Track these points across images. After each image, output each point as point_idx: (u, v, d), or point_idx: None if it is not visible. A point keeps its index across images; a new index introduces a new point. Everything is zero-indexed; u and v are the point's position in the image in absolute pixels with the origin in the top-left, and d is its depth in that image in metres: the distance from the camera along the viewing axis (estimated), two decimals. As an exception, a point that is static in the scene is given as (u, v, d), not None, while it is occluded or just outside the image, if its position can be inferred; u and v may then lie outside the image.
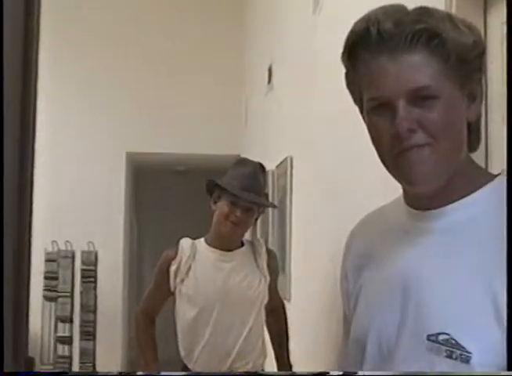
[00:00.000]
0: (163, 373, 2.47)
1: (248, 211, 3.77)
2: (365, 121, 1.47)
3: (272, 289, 3.93)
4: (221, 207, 3.76)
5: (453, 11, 2.29)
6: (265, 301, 3.85)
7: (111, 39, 8.76)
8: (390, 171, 1.44)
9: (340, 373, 1.47)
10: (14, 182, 1.47)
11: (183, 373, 3.39)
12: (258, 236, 6.76)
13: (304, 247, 4.90)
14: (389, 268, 1.50)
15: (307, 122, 4.85)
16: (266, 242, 6.18)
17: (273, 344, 4.08)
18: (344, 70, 1.51)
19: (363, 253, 1.61)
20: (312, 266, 4.55)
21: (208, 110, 8.79)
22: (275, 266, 4.03)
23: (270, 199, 6.11)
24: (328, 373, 1.45)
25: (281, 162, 5.76)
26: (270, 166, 6.32)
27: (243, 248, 3.89)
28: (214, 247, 3.84)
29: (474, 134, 1.48)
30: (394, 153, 1.39)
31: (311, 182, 4.71)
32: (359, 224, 1.73)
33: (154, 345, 3.94)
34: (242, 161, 4.03)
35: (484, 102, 2.26)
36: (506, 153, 1.04)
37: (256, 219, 3.98)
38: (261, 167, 3.95)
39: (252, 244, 3.96)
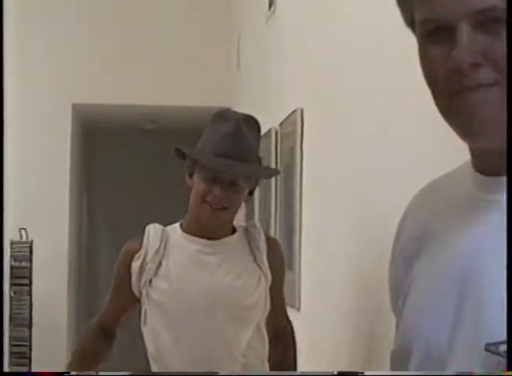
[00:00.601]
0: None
1: (232, 185, 3.64)
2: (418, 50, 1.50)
3: (275, 296, 3.82)
4: (197, 184, 3.65)
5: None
6: (267, 310, 3.77)
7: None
8: (446, 119, 1.45)
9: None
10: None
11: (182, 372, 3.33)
12: (256, 216, 6.78)
13: (319, 236, 4.91)
14: (446, 255, 1.53)
15: (322, 61, 4.86)
16: (268, 224, 6.20)
17: None
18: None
19: (419, 236, 1.64)
20: (330, 262, 4.56)
21: (187, 48, 8.83)
22: (280, 261, 3.92)
23: (273, 164, 6.13)
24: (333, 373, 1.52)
25: (287, 117, 5.77)
26: (272, 123, 6.35)
27: (234, 236, 3.78)
28: (194, 234, 3.73)
29: None
30: (452, 94, 1.42)
31: (329, 143, 4.72)
32: (416, 197, 1.77)
33: (98, 362, 3.92)
34: (220, 115, 3.82)
35: None
36: (507, 153, 1.04)
37: (250, 194, 3.87)
38: (249, 120, 3.79)
39: (246, 230, 3.83)
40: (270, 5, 6.74)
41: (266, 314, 3.75)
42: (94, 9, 8.84)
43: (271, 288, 3.76)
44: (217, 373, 1.34)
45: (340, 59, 4.42)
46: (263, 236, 3.84)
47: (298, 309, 4.99)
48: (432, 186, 1.73)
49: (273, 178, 6.02)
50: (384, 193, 3.32)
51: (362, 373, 1.51)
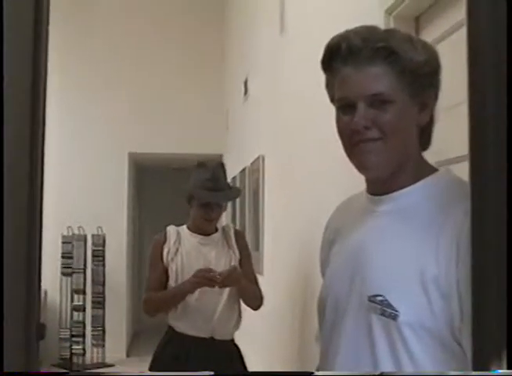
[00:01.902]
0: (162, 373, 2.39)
1: (219, 207, 3.76)
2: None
3: (246, 267, 3.77)
4: (196, 208, 3.72)
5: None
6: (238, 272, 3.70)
7: (116, 59, 8.75)
8: (350, 159, 1.47)
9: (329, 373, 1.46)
10: (25, 183, 1.44)
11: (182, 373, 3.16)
12: (238, 221, 6.78)
13: (275, 230, 4.90)
14: (347, 243, 1.54)
15: (277, 126, 4.86)
16: (244, 227, 6.20)
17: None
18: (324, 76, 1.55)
19: (335, 231, 1.65)
20: (282, 246, 4.56)
21: (197, 118, 8.83)
22: (245, 245, 3.89)
23: (246, 191, 6.12)
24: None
25: (255, 160, 5.75)
26: (245, 163, 6.33)
27: (217, 233, 3.80)
28: (195, 232, 3.77)
29: (425, 136, 1.51)
30: (352, 144, 1.43)
31: (280, 176, 4.72)
32: (337, 208, 1.76)
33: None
34: (200, 164, 3.83)
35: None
36: (506, 153, 1.03)
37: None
38: (219, 165, 3.86)
39: (223, 228, 3.86)
40: (245, 92, 6.74)
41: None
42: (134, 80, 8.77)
43: (241, 262, 3.74)
44: (312, 372, 1.30)
45: (289, 127, 4.43)
46: (232, 231, 3.86)
47: (262, 274, 4.97)
48: (343, 204, 1.73)
49: (247, 199, 6.07)
50: (319, 206, 3.30)
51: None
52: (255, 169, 5.69)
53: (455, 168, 2.01)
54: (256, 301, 3.77)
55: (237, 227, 5.84)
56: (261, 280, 4.02)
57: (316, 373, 1.44)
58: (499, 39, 1.09)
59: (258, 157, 5.52)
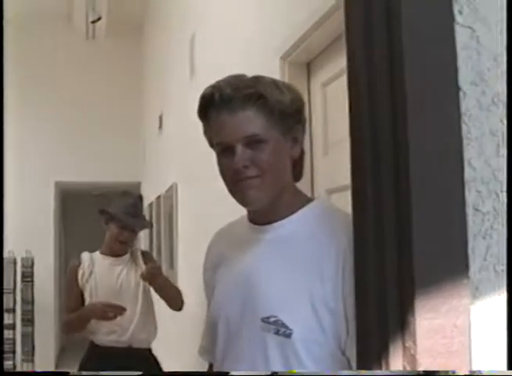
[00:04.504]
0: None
1: (133, 232, 3.71)
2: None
3: (160, 282, 3.63)
4: (111, 229, 3.66)
5: (286, 76, 2.33)
6: (147, 287, 3.67)
7: (45, 93, 8.55)
8: (232, 195, 1.44)
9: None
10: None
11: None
12: (154, 245, 6.71)
13: (188, 249, 4.88)
14: (235, 267, 1.50)
15: (188, 157, 4.85)
16: (159, 248, 6.15)
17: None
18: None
19: (218, 255, 1.60)
20: (195, 263, 4.52)
21: (116, 148, 8.68)
22: (152, 261, 3.88)
23: (162, 216, 6.08)
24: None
25: (169, 187, 5.71)
26: (161, 190, 6.29)
27: (126, 255, 3.74)
28: (107, 254, 3.71)
29: (297, 168, 1.49)
30: (234, 182, 1.41)
31: (191, 202, 4.71)
32: (217, 233, 1.72)
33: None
34: (125, 193, 3.86)
35: (310, 142, 2.30)
36: (506, 156, 1.03)
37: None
38: (140, 197, 3.90)
39: (132, 251, 3.79)
40: (160, 126, 6.72)
41: (147, 288, 3.68)
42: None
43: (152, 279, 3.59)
44: (228, 372, 1.26)
45: (199, 158, 4.43)
46: (139, 252, 3.83)
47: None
48: (224, 230, 1.70)
49: (162, 223, 6.03)
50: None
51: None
52: (169, 195, 5.66)
53: (342, 195, 2.04)
54: (178, 301, 3.71)
55: (153, 250, 5.80)
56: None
57: (232, 372, 1.42)
58: (375, 80, 1.12)
59: (172, 185, 5.50)
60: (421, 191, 1.04)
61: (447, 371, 1.03)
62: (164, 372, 3.69)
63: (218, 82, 1.42)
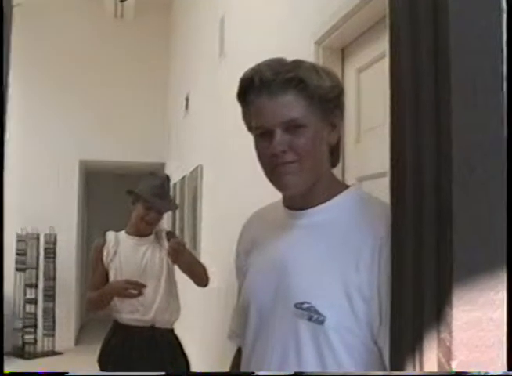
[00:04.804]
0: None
1: (159, 213, 3.71)
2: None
3: (184, 258, 3.62)
4: (138, 209, 3.66)
5: (320, 61, 2.30)
6: (171, 267, 3.69)
7: (71, 72, 8.55)
8: (269, 180, 1.43)
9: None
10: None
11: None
12: (177, 225, 6.72)
13: (211, 232, 4.88)
14: (268, 252, 1.49)
15: (214, 139, 4.84)
16: (183, 229, 6.16)
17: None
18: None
19: (251, 240, 1.60)
20: (218, 246, 4.53)
21: (141, 129, 8.71)
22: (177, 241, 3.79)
23: (185, 198, 6.09)
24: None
25: (194, 169, 5.71)
26: (185, 172, 6.29)
27: (151, 235, 3.74)
28: (132, 234, 3.72)
29: (334, 154, 1.48)
30: (271, 167, 1.40)
31: (216, 184, 4.70)
32: (251, 217, 1.71)
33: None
34: (152, 174, 3.87)
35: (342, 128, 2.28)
36: (506, 158, 1.02)
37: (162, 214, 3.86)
38: (168, 178, 3.87)
39: (156, 232, 3.78)
40: (186, 107, 6.71)
41: (171, 268, 3.69)
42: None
43: (176, 256, 3.58)
44: (253, 373, 1.26)
45: (225, 140, 4.42)
46: (164, 233, 3.79)
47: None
48: (257, 214, 1.69)
49: (185, 204, 6.04)
50: (250, 210, 3.31)
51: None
52: (194, 177, 5.66)
53: (374, 183, 2.03)
54: (203, 278, 3.71)
55: (176, 231, 5.81)
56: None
57: (258, 373, 1.41)
58: (418, 68, 1.10)
59: (197, 167, 5.49)
60: (462, 181, 1.03)
61: (479, 372, 1.01)
62: (190, 372, 3.72)
63: (258, 65, 1.41)
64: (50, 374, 1.99)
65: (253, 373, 1.43)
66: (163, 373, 2.59)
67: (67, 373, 1.33)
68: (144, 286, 3.52)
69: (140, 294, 3.50)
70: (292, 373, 1.34)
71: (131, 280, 3.53)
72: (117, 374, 3.17)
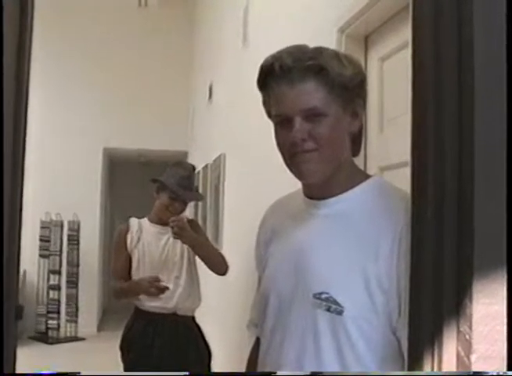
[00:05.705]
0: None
1: (183, 203, 3.68)
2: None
3: (205, 247, 3.67)
4: (162, 198, 3.64)
5: (343, 49, 2.28)
6: (192, 256, 3.69)
7: (92, 61, 8.60)
8: (288, 168, 1.42)
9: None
10: (8, 173, 1.40)
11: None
12: (199, 214, 6.73)
13: (234, 221, 4.88)
14: (288, 242, 1.48)
15: (237, 128, 4.83)
16: (205, 218, 6.16)
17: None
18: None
19: (272, 229, 1.59)
20: (240, 236, 4.53)
21: (165, 117, 8.75)
22: (199, 230, 3.82)
23: (208, 186, 6.09)
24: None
25: (216, 158, 5.71)
26: (208, 160, 6.29)
27: None
28: (155, 223, 3.71)
29: (356, 143, 1.47)
30: (290, 155, 1.39)
31: (239, 173, 4.70)
32: (271, 206, 1.70)
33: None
34: (179, 163, 3.84)
35: (364, 118, 2.26)
36: (506, 153, 1.01)
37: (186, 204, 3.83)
38: (194, 168, 3.85)
39: None
40: (210, 96, 6.70)
41: (192, 257, 3.69)
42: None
43: (200, 246, 3.62)
44: (273, 372, 1.26)
45: (248, 129, 4.41)
46: (186, 221, 3.67)
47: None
48: (277, 203, 1.68)
49: (208, 193, 6.04)
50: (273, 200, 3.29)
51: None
52: (217, 165, 5.66)
53: (396, 172, 2.01)
54: (222, 266, 3.66)
55: (198, 220, 5.81)
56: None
57: (278, 373, 1.41)
58: (441, 57, 1.08)
59: (220, 155, 5.49)
60: (484, 174, 1.01)
61: (498, 372, 1.00)
62: (212, 373, 3.73)
63: (279, 52, 1.39)
64: (50, 374, 1.92)
65: (274, 373, 1.42)
66: (186, 373, 2.58)
67: (67, 373, 1.32)
68: (167, 288, 3.53)
69: (162, 292, 3.51)
70: (309, 373, 1.34)
71: (156, 278, 3.53)
72: (130, 374, 3.19)
